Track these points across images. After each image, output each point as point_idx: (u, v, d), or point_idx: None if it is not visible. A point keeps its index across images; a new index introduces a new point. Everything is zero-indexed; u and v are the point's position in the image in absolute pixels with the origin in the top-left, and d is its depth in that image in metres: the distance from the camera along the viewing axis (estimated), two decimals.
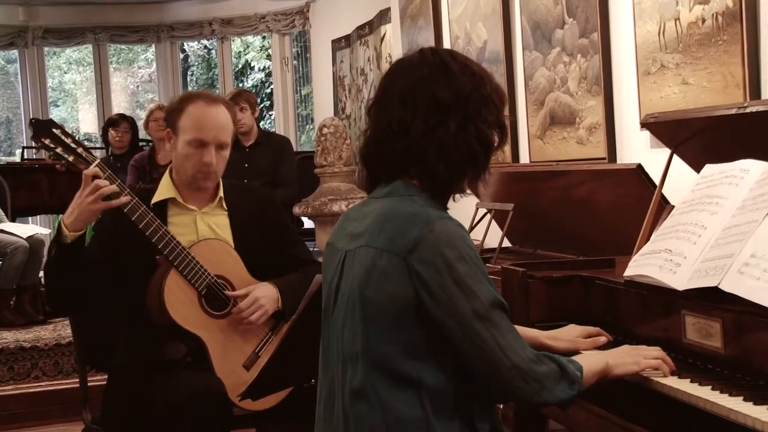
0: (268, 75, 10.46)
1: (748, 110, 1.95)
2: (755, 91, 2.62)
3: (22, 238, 5.18)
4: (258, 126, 5.28)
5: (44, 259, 2.49)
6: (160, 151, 5.42)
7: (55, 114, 10.20)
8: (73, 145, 2.35)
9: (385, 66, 6.63)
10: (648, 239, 2.10)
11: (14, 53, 9.24)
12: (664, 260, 1.91)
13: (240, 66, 11.25)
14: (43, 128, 2.34)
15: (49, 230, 7.30)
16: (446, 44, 4.89)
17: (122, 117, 6.25)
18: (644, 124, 2.42)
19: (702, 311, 1.76)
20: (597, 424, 1.88)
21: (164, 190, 2.54)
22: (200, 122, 2.47)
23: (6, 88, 10.05)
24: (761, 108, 1.93)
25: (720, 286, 1.70)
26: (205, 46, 11.23)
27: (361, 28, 7.26)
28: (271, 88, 9.78)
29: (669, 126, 2.26)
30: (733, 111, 1.99)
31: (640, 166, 2.57)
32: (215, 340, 2.46)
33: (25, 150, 7.76)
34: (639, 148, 3.22)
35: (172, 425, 2.30)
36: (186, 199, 2.54)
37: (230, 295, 2.48)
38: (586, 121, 3.56)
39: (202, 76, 11.76)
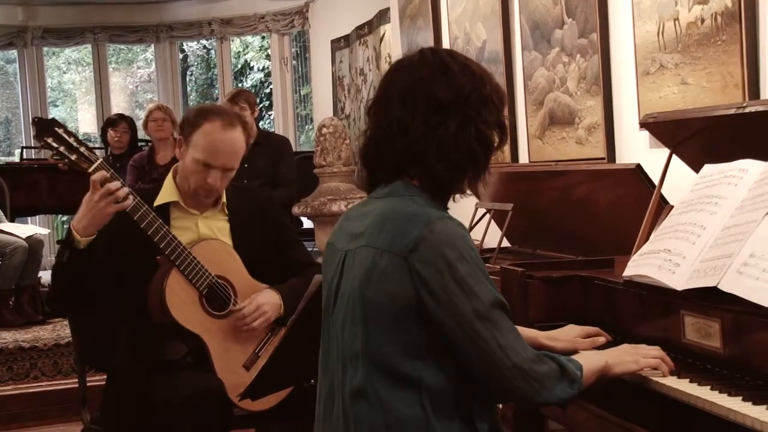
0: (268, 75, 10.46)
1: (747, 110, 1.95)
2: (754, 91, 2.62)
3: (21, 238, 5.18)
4: (257, 126, 5.28)
5: (50, 259, 2.48)
6: (159, 152, 5.42)
7: (54, 114, 10.19)
8: (75, 144, 2.34)
9: (385, 66, 6.63)
10: (647, 239, 2.10)
11: (13, 53, 9.24)
12: (663, 260, 1.91)
13: (239, 66, 11.25)
14: (45, 127, 2.33)
15: (48, 230, 7.31)
16: (445, 44, 4.89)
17: (121, 117, 6.25)
18: (643, 124, 2.42)
19: (701, 311, 1.76)
20: (596, 424, 1.88)
21: (167, 193, 2.54)
22: (213, 146, 2.45)
23: (5, 88, 10.05)
24: (760, 108, 1.93)
25: (719, 286, 1.70)
26: (205, 46, 11.23)
27: (360, 28, 7.26)
28: (271, 88, 9.78)
29: (668, 126, 2.26)
30: (732, 111, 1.99)
31: (639, 166, 2.57)
32: (215, 340, 2.46)
33: (24, 150, 7.76)
34: (638, 148, 3.22)
35: (172, 425, 2.30)
36: (188, 203, 2.54)
37: (234, 310, 2.48)
38: (585, 121, 3.56)
39: (202, 76, 11.75)
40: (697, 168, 2.12)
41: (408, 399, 1.53)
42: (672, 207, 2.12)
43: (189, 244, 2.46)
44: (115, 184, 2.29)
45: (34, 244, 5.26)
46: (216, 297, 2.48)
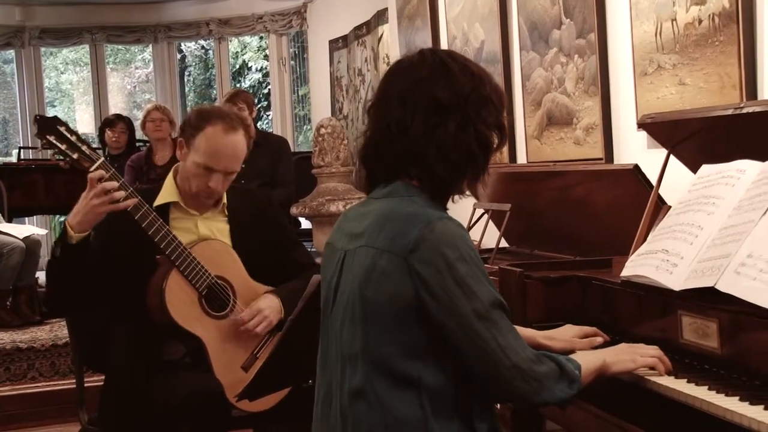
0: (266, 75, 10.45)
1: (744, 111, 1.95)
2: (751, 92, 2.62)
3: (18, 238, 5.17)
4: (255, 126, 5.28)
5: (47, 259, 2.47)
6: (157, 152, 5.42)
7: (52, 114, 10.18)
8: (77, 143, 2.33)
9: (383, 66, 6.62)
10: (645, 239, 2.11)
11: (11, 53, 9.22)
12: (660, 260, 1.91)
13: (237, 66, 11.24)
14: (47, 125, 2.32)
15: (46, 231, 7.30)
16: (443, 44, 4.89)
17: (119, 117, 6.24)
18: (641, 125, 2.42)
19: (698, 311, 1.76)
20: (594, 424, 1.88)
21: (167, 193, 2.53)
22: (214, 150, 2.45)
23: (2, 89, 10.03)
24: (758, 108, 1.94)
25: (716, 287, 1.70)
26: (203, 47, 11.22)
27: (358, 28, 7.26)
28: (269, 89, 9.77)
29: (666, 126, 2.26)
30: (730, 111, 1.99)
31: (636, 166, 2.58)
32: (214, 341, 2.46)
33: (22, 150, 7.75)
34: (636, 149, 3.22)
35: (170, 426, 2.30)
36: (188, 204, 2.54)
37: (234, 319, 2.48)
38: (583, 121, 3.56)
39: (200, 76, 11.75)
40: (694, 168, 2.12)
41: (407, 399, 1.53)
42: (670, 207, 2.12)
43: (189, 244, 2.46)
44: (111, 184, 2.28)
45: (31, 244, 5.25)
46: (215, 297, 2.48)
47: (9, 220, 5.77)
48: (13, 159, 7.98)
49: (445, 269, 1.52)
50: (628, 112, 3.28)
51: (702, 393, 1.59)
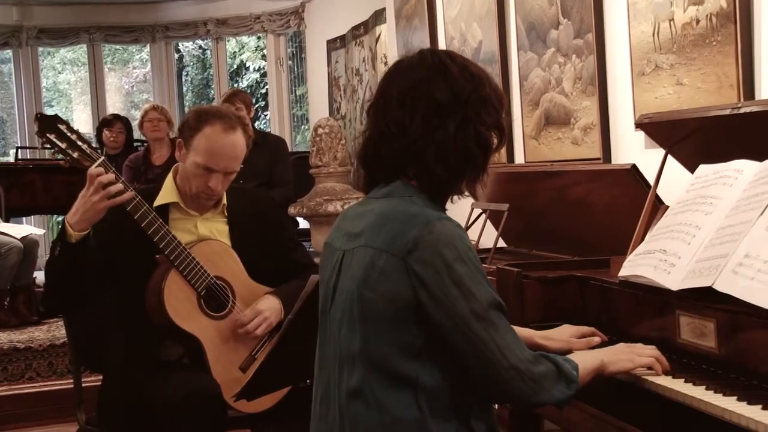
0: (263, 75, 10.45)
1: (742, 111, 1.95)
2: (749, 92, 2.62)
3: (16, 238, 5.17)
4: (253, 126, 5.27)
5: (46, 258, 2.46)
6: (155, 152, 5.42)
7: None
8: (77, 142, 2.33)
9: (380, 66, 6.62)
10: (642, 239, 2.11)
11: (8, 53, 9.21)
12: (658, 260, 1.91)
13: (235, 66, 11.24)
14: (48, 123, 2.31)
15: (44, 230, 7.29)
16: (441, 45, 4.89)
17: (117, 117, 6.24)
18: (639, 125, 2.42)
19: (696, 311, 1.77)
20: (592, 424, 1.88)
21: (167, 193, 2.53)
22: (213, 150, 2.44)
23: (0, 89, 10.03)
24: (755, 108, 1.94)
25: (714, 286, 1.70)
26: (200, 47, 11.22)
27: (356, 28, 7.26)
28: (266, 89, 9.77)
29: (663, 126, 2.27)
30: (727, 111, 1.99)
31: (634, 166, 2.58)
32: (212, 341, 2.46)
33: (19, 150, 7.74)
34: (633, 149, 3.22)
35: (167, 426, 2.30)
36: (187, 205, 2.53)
37: (234, 318, 2.48)
38: (581, 121, 3.56)
39: (197, 76, 11.74)
40: (692, 168, 2.12)
41: (405, 399, 1.53)
42: (667, 207, 2.12)
43: (188, 244, 2.45)
44: (108, 177, 2.28)
45: (29, 244, 5.25)
46: (214, 298, 2.48)
47: (7, 220, 5.76)
48: (11, 159, 7.97)
49: (443, 270, 1.52)
50: (625, 112, 3.29)
51: (699, 393, 1.59)
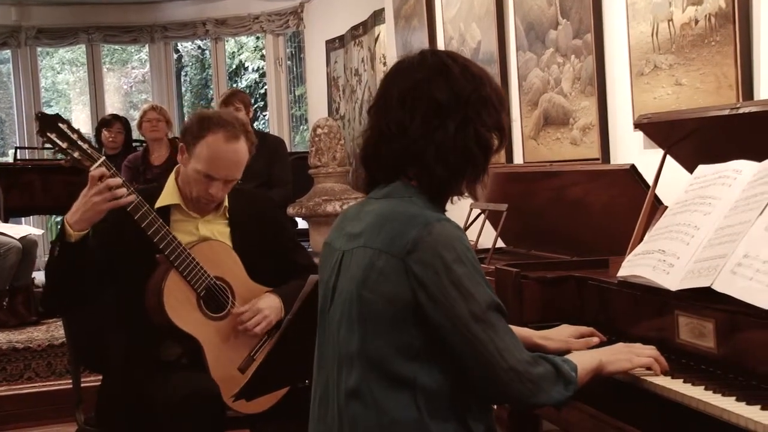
0: (262, 75, 10.45)
1: (740, 111, 1.95)
2: (748, 92, 2.63)
3: (14, 238, 5.17)
4: (252, 126, 5.27)
5: (45, 259, 2.46)
6: (154, 152, 5.42)
7: None
8: (78, 141, 2.32)
9: (379, 66, 6.62)
10: (641, 240, 2.11)
11: (7, 53, 9.21)
12: (657, 260, 1.91)
13: (234, 66, 11.24)
14: (49, 122, 2.30)
15: (42, 231, 7.29)
16: (440, 45, 4.89)
17: (115, 117, 6.24)
18: (637, 125, 2.42)
19: (695, 311, 1.77)
20: (590, 424, 1.88)
21: (169, 194, 2.52)
22: (215, 159, 2.44)
23: None
24: (754, 109, 1.94)
25: (713, 287, 1.70)
26: (199, 47, 11.22)
27: (355, 28, 7.25)
28: (265, 89, 9.77)
29: (662, 127, 2.27)
30: (726, 112, 1.99)
31: (633, 166, 2.58)
32: (211, 342, 2.45)
33: (18, 150, 7.74)
34: (632, 149, 3.23)
35: (166, 426, 2.30)
36: (189, 207, 2.53)
37: (234, 312, 2.47)
38: (580, 121, 3.56)
39: (196, 76, 11.74)
40: (691, 168, 2.12)
41: (403, 400, 1.53)
42: (666, 207, 2.12)
43: (188, 244, 2.45)
44: (114, 181, 2.28)
45: (27, 244, 5.24)
46: (214, 298, 2.48)
47: (5, 221, 5.76)
48: (10, 159, 7.97)
49: (442, 271, 1.52)
50: (624, 112, 3.29)
51: (698, 393, 1.59)
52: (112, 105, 9.99)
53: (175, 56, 10.22)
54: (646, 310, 1.94)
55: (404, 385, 1.53)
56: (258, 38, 10.16)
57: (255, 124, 6.79)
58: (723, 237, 1.78)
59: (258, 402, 2.34)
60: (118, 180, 2.29)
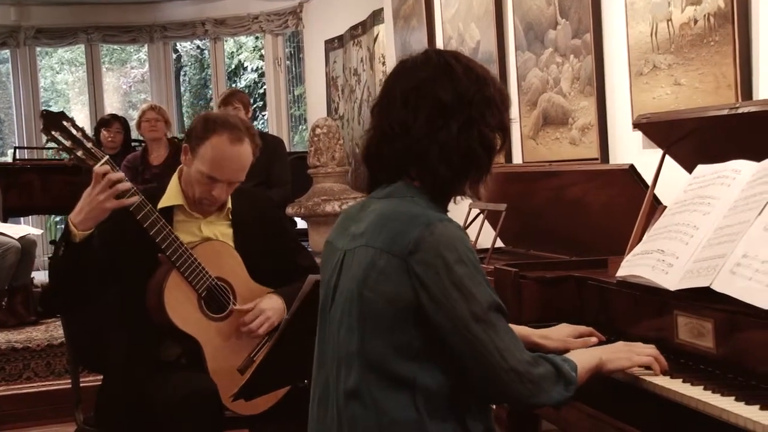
0: (261, 75, 10.45)
1: (739, 111, 1.95)
2: (747, 92, 2.63)
3: (13, 238, 5.16)
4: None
5: (44, 259, 2.46)
6: (153, 152, 5.42)
7: None
8: (82, 140, 2.30)
9: (378, 66, 6.62)
10: (640, 239, 2.11)
11: (6, 53, 9.21)
12: (656, 260, 1.91)
13: (233, 66, 11.24)
14: (53, 120, 2.28)
15: (41, 231, 7.28)
16: (439, 45, 4.88)
17: (114, 117, 6.24)
18: (636, 125, 2.43)
19: (694, 311, 1.77)
20: (589, 424, 1.88)
21: (172, 195, 2.51)
22: (219, 161, 2.43)
23: None
24: (753, 109, 1.94)
25: (712, 287, 1.70)
26: (198, 47, 11.22)
27: (354, 28, 7.25)
28: (264, 89, 9.77)
29: (661, 126, 2.27)
30: (725, 112, 1.99)
31: (632, 166, 2.58)
32: (211, 342, 2.45)
33: (17, 150, 7.74)
34: (631, 149, 3.23)
35: (165, 425, 2.29)
36: (192, 208, 2.52)
37: (237, 309, 2.47)
38: (579, 121, 3.56)
39: (195, 76, 11.74)
40: (690, 168, 2.12)
41: (402, 400, 1.53)
42: (665, 207, 2.12)
43: (190, 244, 2.44)
44: (117, 175, 2.27)
45: (26, 244, 5.24)
46: (214, 299, 2.47)
47: (4, 220, 5.76)
48: (9, 159, 7.97)
49: (443, 271, 1.51)
50: (623, 112, 3.29)
51: (697, 393, 1.59)
52: (111, 105, 10.00)
53: (174, 56, 10.23)
54: (645, 310, 1.94)
55: (404, 386, 1.53)
56: (257, 38, 10.16)
57: (254, 124, 6.79)
58: (722, 237, 1.78)
59: (256, 403, 2.34)
60: (121, 174, 2.28)
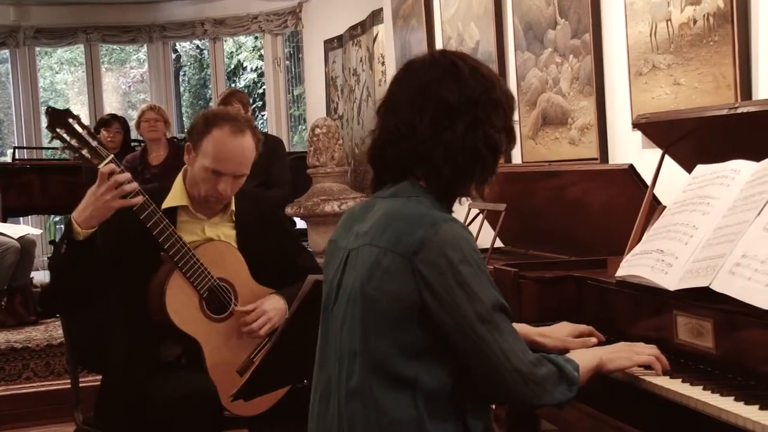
0: (261, 75, 10.45)
1: (739, 111, 1.95)
2: (746, 92, 2.63)
3: (13, 238, 5.17)
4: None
5: (43, 259, 2.45)
6: (152, 152, 5.41)
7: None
8: (87, 138, 2.28)
9: (378, 66, 6.63)
10: (640, 239, 2.11)
11: (5, 53, 9.21)
12: (655, 260, 1.91)
13: (232, 66, 11.24)
14: (58, 118, 2.27)
15: (41, 231, 7.28)
16: (438, 45, 4.89)
17: (114, 117, 6.23)
18: (636, 125, 2.43)
19: (693, 311, 1.77)
20: (589, 423, 1.88)
21: (176, 196, 2.50)
22: (222, 154, 2.42)
23: None
24: (752, 109, 1.94)
25: (711, 287, 1.70)
26: (198, 47, 11.22)
27: (353, 28, 7.26)
28: (264, 89, 9.77)
29: (660, 126, 2.27)
30: (725, 112, 1.99)
31: (631, 166, 2.58)
32: (211, 344, 2.45)
33: (17, 150, 7.74)
34: (631, 149, 3.23)
35: (164, 425, 2.29)
36: (196, 209, 2.51)
37: (238, 310, 2.47)
38: (578, 121, 3.56)
39: (194, 76, 11.74)
40: (689, 168, 2.12)
41: (403, 400, 1.53)
42: (664, 207, 2.12)
43: (193, 243, 2.43)
44: (124, 176, 2.26)
45: (26, 244, 5.24)
46: (216, 300, 2.47)
47: (4, 220, 5.76)
48: (8, 159, 7.97)
49: (448, 271, 1.52)
50: (622, 112, 3.29)
51: (697, 393, 1.59)
52: (111, 105, 10.00)
53: (174, 56, 10.22)
54: (645, 310, 1.94)
55: (405, 385, 1.53)
56: (256, 38, 10.16)
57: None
58: (721, 237, 1.78)
59: (255, 404, 2.34)
60: (128, 175, 2.27)
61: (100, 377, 2.65)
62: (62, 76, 11.32)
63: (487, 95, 1.62)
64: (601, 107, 3.42)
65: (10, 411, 4.37)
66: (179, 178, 2.53)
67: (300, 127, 9.44)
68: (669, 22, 2.94)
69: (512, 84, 4.11)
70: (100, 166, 2.27)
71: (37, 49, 9.41)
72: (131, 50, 10.92)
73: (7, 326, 5.14)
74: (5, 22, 8.93)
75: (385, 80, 6.18)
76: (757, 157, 1.88)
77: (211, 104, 10.04)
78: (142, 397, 2.36)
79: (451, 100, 1.60)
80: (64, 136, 2.27)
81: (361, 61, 7.12)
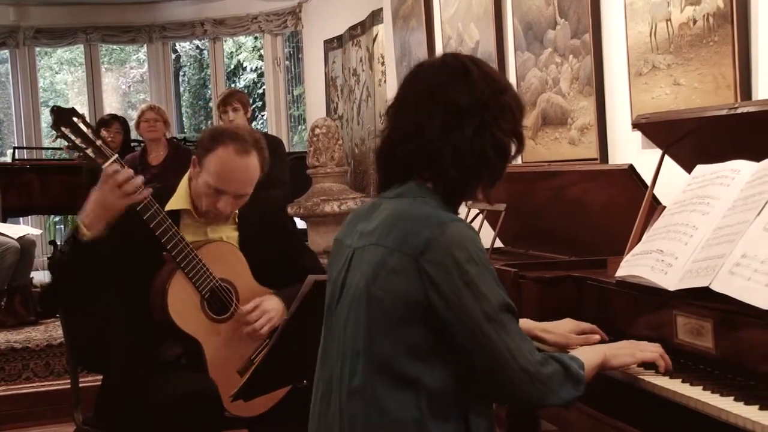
0: (260, 75, 10.45)
1: (738, 111, 1.96)
2: (746, 92, 2.63)
3: (12, 238, 5.17)
4: (250, 127, 5.27)
5: (43, 259, 2.44)
6: (152, 152, 5.41)
7: (46, 114, 10.17)
8: (92, 137, 2.27)
9: (377, 66, 6.63)
10: (639, 240, 2.11)
11: (5, 53, 9.21)
12: (655, 260, 1.91)
13: (232, 66, 11.24)
14: (63, 116, 2.25)
15: (41, 231, 7.28)
16: (438, 45, 4.89)
17: (114, 117, 6.23)
18: (636, 125, 2.43)
19: (693, 311, 1.77)
20: (589, 423, 1.88)
21: (180, 199, 2.50)
22: (225, 174, 2.41)
23: None
24: (752, 109, 1.94)
25: (711, 287, 1.70)
26: (197, 47, 11.22)
27: (353, 28, 7.26)
28: (263, 89, 9.77)
29: (660, 127, 2.27)
30: (724, 112, 1.99)
31: (631, 166, 2.58)
32: (212, 344, 2.45)
33: (17, 150, 7.74)
34: (630, 149, 3.23)
35: (164, 425, 2.29)
36: (199, 213, 2.51)
37: (239, 311, 2.47)
38: (578, 121, 3.56)
39: (194, 76, 11.74)
40: (689, 168, 2.12)
41: (405, 400, 1.53)
42: (664, 207, 2.12)
43: (195, 243, 2.43)
44: (127, 172, 2.25)
45: (26, 244, 5.24)
46: (217, 300, 2.47)
47: (4, 221, 5.76)
48: (8, 159, 7.97)
49: (454, 271, 1.52)
50: (622, 112, 3.29)
51: (697, 393, 1.59)
52: (111, 105, 10.00)
53: (174, 56, 10.23)
54: (645, 310, 1.94)
55: (408, 385, 1.53)
56: (256, 38, 10.17)
57: (253, 124, 6.78)
58: (721, 237, 1.79)
59: (255, 405, 2.34)
60: (131, 171, 2.26)
61: (100, 377, 2.65)
62: (62, 76, 11.33)
63: (495, 98, 1.62)
64: (601, 107, 3.42)
65: (10, 411, 4.37)
66: (185, 182, 2.52)
67: (300, 127, 9.45)
68: (669, 22, 2.94)
69: (512, 84, 4.11)
70: (105, 165, 2.26)
71: (37, 49, 9.41)
72: (131, 50, 10.92)
73: (7, 326, 5.14)
74: (5, 22, 8.93)
75: (384, 80, 6.18)
76: (757, 157, 1.88)
77: (210, 104, 10.05)
78: (142, 397, 2.36)
79: (461, 102, 1.60)
80: (69, 135, 2.26)
81: (360, 61, 7.12)
